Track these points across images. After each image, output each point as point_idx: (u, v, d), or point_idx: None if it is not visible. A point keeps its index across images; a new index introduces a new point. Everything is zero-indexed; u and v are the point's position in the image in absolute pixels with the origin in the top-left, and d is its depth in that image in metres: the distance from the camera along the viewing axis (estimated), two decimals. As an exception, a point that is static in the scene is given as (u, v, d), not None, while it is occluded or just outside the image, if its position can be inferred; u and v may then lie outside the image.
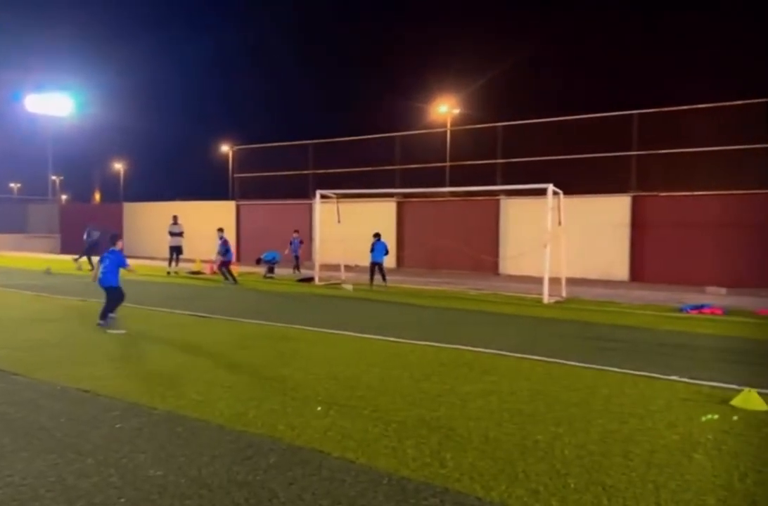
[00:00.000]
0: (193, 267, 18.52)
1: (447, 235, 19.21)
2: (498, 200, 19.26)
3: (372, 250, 15.20)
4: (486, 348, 7.49)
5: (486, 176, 18.89)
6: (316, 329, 8.72)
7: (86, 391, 5.29)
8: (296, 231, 19.24)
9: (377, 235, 15.57)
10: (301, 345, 7.68)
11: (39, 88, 33.58)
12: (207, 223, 21.93)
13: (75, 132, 42.13)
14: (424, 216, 20.56)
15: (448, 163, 20.96)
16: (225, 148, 55.03)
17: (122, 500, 3.28)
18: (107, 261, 8.77)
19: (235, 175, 25.48)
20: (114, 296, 8.73)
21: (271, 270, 17.38)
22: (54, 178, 40.22)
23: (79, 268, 18.71)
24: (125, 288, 8.87)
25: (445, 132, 23.38)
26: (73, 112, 35.19)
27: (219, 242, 15.77)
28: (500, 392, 5.55)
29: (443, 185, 19.67)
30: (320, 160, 22.45)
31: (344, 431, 4.41)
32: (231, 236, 23.78)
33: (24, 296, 12.21)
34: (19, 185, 61.36)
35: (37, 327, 8.61)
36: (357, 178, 20.55)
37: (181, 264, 18.32)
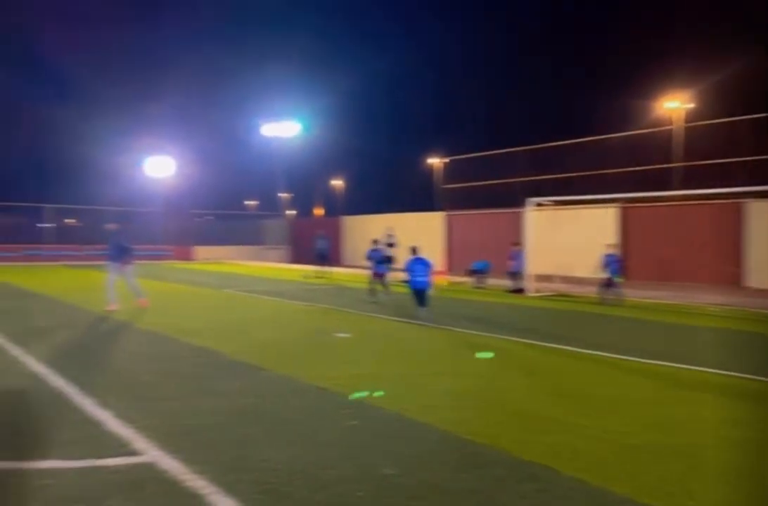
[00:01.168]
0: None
1: (679, 243, 17.36)
2: (741, 203, 17.03)
3: (606, 265, 13.90)
4: (734, 371, 6.64)
5: (727, 177, 16.79)
6: (533, 342, 8.49)
7: (323, 389, 5.71)
8: (517, 243, 16.99)
9: (612, 247, 14.49)
10: (519, 357, 7.55)
11: (273, 116, 37.63)
12: (418, 234, 22.65)
13: (300, 152, 46.50)
14: (652, 222, 18.77)
15: (680, 164, 19.09)
16: (430, 161, 56.61)
17: (360, 493, 3.46)
18: (421, 267, 10.53)
19: (444, 186, 26.01)
20: (426, 295, 10.46)
21: (481, 280, 17.33)
22: (283, 195, 44.69)
23: (306, 276, 20.51)
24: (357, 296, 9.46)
25: (671, 130, 21.43)
26: (299, 134, 38.86)
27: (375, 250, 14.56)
28: (755, 421, 4.88)
29: (673, 188, 17.89)
30: (531, 167, 21.97)
31: (574, 450, 4.20)
32: (440, 247, 24.30)
33: (261, 300, 13.68)
34: (255, 203, 69.37)
35: (273, 328, 9.57)
36: (571, 183, 19.69)
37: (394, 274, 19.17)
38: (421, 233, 23.45)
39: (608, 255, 13.94)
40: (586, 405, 5.32)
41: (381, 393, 5.47)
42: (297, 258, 31.65)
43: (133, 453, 4.04)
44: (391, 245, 19.24)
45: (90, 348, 7.74)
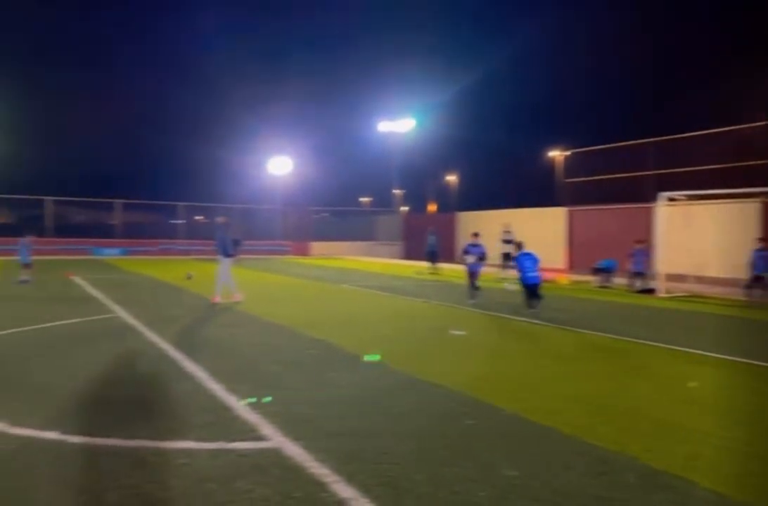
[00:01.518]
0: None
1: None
2: None
3: (755, 261, 12.89)
4: None
5: None
6: (663, 345, 7.97)
7: (438, 386, 5.68)
8: (641, 240, 16.03)
9: (763, 240, 13.30)
10: (648, 361, 7.12)
11: (388, 112, 38.12)
12: (536, 230, 22.00)
13: (415, 148, 46.68)
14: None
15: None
16: (551, 154, 54.79)
17: (482, 494, 3.40)
18: (530, 263, 10.58)
19: (566, 180, 25.01)
20: (539, 291, 10.53)
21: (607, 279, 16.50)
22: (396, 191, 45.10)
23: (419, 273, 20.58)
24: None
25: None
26: (414, 130, 38.99)
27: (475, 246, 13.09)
28: None
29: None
30: (660, 160, 20.56)
31: (711, 461, 3.90)
32: (561, 244, 23.45)
33: (376, 295, 13.87)
34: (369, 199, 70.60)
35: (387, 323, 9.66)
36: (706, 177, 18.18)
37: (511, 272, 18.75)
38: (539, 229, 22.72)
39: (758, 251, 12.85)
40: (723, 415, 4.91)
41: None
42: (410, 254, 31.84)
43: (260, 438, 4.22)
44: (508, 242, 18.77)
45: (216, 336, 8.20)
